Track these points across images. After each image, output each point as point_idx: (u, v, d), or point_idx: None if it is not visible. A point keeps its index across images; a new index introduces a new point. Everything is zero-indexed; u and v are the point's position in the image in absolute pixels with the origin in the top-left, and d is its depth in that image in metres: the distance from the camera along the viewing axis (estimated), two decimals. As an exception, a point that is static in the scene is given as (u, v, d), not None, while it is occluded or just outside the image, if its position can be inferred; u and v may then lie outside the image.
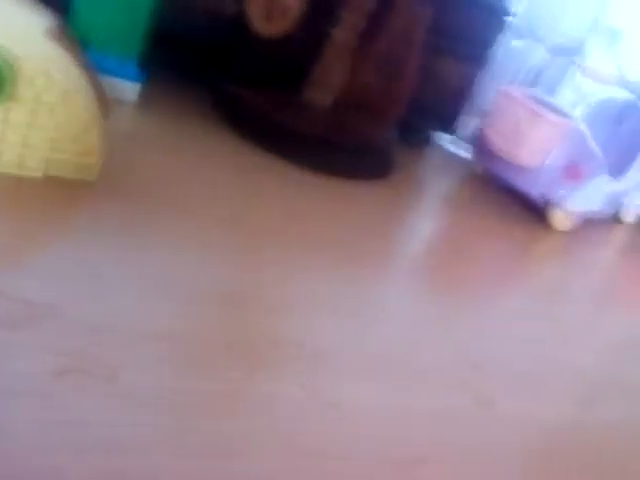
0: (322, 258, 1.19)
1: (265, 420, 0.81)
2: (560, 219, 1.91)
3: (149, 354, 0.82)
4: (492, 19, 1.93)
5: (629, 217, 2.29)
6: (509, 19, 2.01)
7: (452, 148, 2.13)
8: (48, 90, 0.97)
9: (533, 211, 1.90)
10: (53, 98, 0.98)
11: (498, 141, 1.82)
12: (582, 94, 2.14)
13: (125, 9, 1.43)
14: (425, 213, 1.66)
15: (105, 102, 1.12)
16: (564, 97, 2.14)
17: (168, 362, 0.82)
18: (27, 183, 1.03)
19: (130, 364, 0.79)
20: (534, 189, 1.87)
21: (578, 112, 2.05)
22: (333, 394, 0.90)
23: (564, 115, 1.86)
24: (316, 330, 1.00)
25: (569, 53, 2.10)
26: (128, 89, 1.46)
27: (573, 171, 1.82)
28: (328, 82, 1.56)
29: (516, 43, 2.13)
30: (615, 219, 2.22)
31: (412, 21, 1.60)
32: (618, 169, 2.03)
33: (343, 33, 1.53)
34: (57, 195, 1.04)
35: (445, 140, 2.13)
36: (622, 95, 2.19)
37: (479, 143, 1.97)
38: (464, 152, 2.10)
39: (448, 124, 2.03)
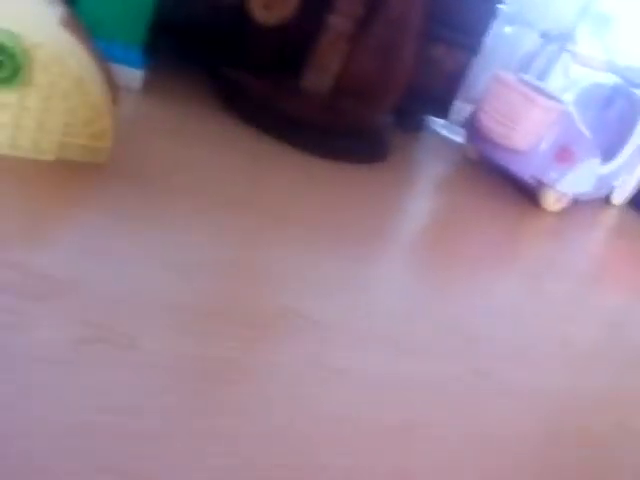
0: (323, 237, 1.24)
1: (273, 385, 0.86)
2: (551, 201, 1.96)
3: (164, 324, 0.87)
4: (484, 6, 1.98)
5: (619, 199, 2.35)
6: (501, 6, 2.06)
7: (446, 132, 2.17)
8: (62, 76, 1.01)
9: (525, 193, 1.96)
10: (67, 84, 1.02)
11: (491, 125, 1.87)
12: (572, 79, 2.19)
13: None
14: (420, 195, 1.70)
15: (114, 88, 1.16)
16: (555, 82, 2.19)
17: (183, 331, 0.87)
18: (41, 166, 1.07)
19: (147, 333, 0.84)
20: (526, 171, 1.92)
21: (568, 97, 2.10)
22: (335, 362, 0.95)
23: (555, 99, 1.91)
24: (320, 303, 1.05)
25: (560, 39, 2.15)
26: (132, 76, 1.50)
27: (564, 154, 1.87)
28: (325, 68, 1.60)
29: (508, 29, 2.18)
30: (605, 201, 2.28)
31: (408, 7, 1.65)
32: (608, 152, 2.09)
33: (339, 19, 1.57)
34: (71, 177, 1.09)
35: (439, 125, 2.18)
36: (611, 80, 2.24)
37: (472, 127, 2.02)
38: (458, 136, 2.14)
39: (442, 109, 2.07)
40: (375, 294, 1.16)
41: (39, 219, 0.98)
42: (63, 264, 0.90)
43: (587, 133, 1.92)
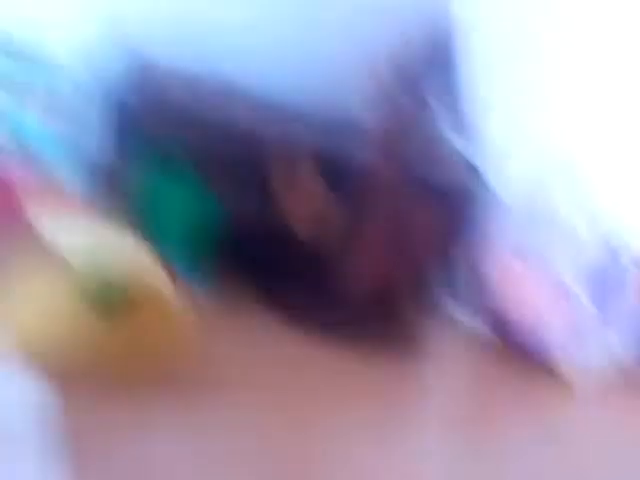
0: (361, 425, 1.36)
1: None
2: (570, 375, 2.04)
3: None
4: (479, 200, 2.20)
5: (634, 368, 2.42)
6: (495, 195, 2.28)
7: (461, 316, 2.31)
8: (154, 305, 1.23)
9: (542, 370, 2.03)
10: (158, 314, 1.23)
11: (501, 306, 2.03)
12: (569, 255, 2.37)
13: (190, 220, 1.68)
14: (444, 379, 1.81)
15: (185, 308, 1.35)
16: (554, 259, 2.36)
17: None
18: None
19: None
20: (540, 348, 2.04)
21: (569, 272, 2.26)
22: None
23: (558, 276, 2.08)
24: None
25: (549, 218, 2.34)
26: (194, 294, 1.67)
27: (574, 328, 2.00)
28: (357, 274, 1.79)
29: (501, 215, 2.38)
30: (622, 371, 2.32)
31: (410, 206, 1.87)
32: (612, 323, 2.22)
33: (369, 228, 1.77)
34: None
35: (454, 308, 2.32)
36: (602, 252, 2.40)
37: (484, 309, 2.17)
38: (472, 319, 2.28)
39: (455, 293, 2.24)
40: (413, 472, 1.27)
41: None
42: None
43: (592, 306, 2.06)
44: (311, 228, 1.76)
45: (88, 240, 1.25)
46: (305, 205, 1.79)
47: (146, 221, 1.65)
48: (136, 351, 1.25)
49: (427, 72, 1.84)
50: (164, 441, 1.14)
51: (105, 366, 1.20)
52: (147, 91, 1.85)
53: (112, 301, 1.22)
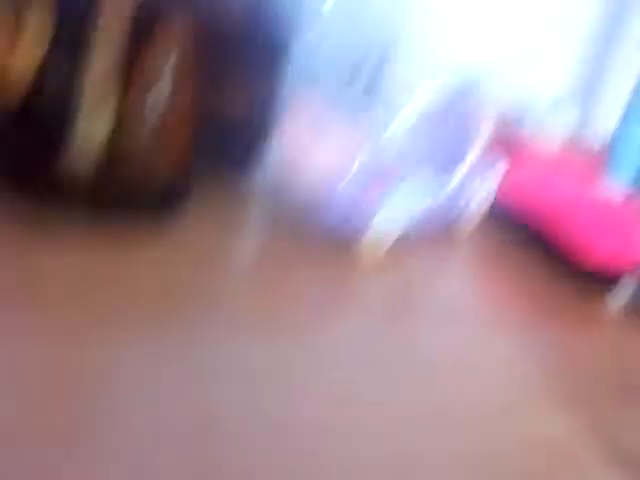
0: (133, 316, 1.07)
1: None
2: (381, 226, 1.79)
3: None
4: (286, 28, 1.79)
5: (465, 217, 2.19)
6: (310, 20, 1.86)
7: (258, 175, 1.99)
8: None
9: (348, 226, 1.77)
10: None
11: (296, 160, 1.71)
12: (403, 90, 2.03)
13: None
14: (231, 244, 1.54)
15: None
16: (381, 95, 2.03)
17: None
18: None
19: None
20: (340, 201, 1.75)
21: (400, 110, 1.94)
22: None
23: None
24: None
25: (383, 47, 1.97)
26: None
27: (382, 177, 1.72)
28: (86, 137, 1.40)
29: (324, 43, 1.98)
30: (450, 218, 2.11)
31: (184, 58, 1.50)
32: (447, 164, 1.93)
33: (94, 80, 1.37)
34: None
35: (255, 167, 1.99)
36: (446, 87, 2.09)
37: (282, 167, 1.86)
38: (271, 178, 1.96)
39: (251, 151, 1.89)
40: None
41: None
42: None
43: (411, 149, 1.77)
44: (28, 80, 1.35)
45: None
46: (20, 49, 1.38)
47: None
48: None
49: None
50: None
51: None
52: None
53: None
